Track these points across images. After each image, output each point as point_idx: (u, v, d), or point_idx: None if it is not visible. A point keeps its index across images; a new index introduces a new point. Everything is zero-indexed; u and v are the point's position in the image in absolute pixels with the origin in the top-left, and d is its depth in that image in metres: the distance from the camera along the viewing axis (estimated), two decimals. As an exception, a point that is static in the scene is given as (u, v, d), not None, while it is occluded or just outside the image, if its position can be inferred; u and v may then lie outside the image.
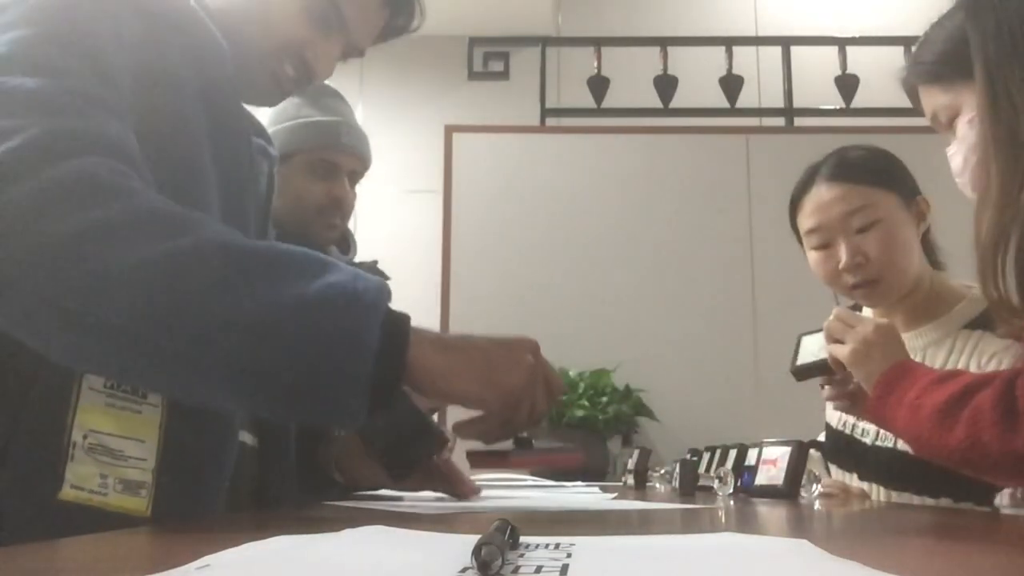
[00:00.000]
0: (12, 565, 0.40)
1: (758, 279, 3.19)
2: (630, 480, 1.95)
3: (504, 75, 3.54)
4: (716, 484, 1.29)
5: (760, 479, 1.28)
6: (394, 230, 3.94)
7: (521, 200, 3.32)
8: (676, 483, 1.46)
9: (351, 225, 1.60)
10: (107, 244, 0.62)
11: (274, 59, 0.93)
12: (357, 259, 1.67)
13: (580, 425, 2.80)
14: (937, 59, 1.01)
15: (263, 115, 1.04)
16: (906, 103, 1.13)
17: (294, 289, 0.64)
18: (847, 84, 3.38)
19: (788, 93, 3.48)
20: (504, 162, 3.37)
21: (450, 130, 3.41)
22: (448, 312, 3.21)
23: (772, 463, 1.27)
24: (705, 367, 3.14)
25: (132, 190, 0.66)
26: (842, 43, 3.44)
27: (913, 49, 1.08)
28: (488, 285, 3.23)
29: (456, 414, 0.76)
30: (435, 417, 1.00)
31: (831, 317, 1.18)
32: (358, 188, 1.56)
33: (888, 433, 1.33)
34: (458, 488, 1.15)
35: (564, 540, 0.45)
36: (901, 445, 1.30)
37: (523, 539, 0.45)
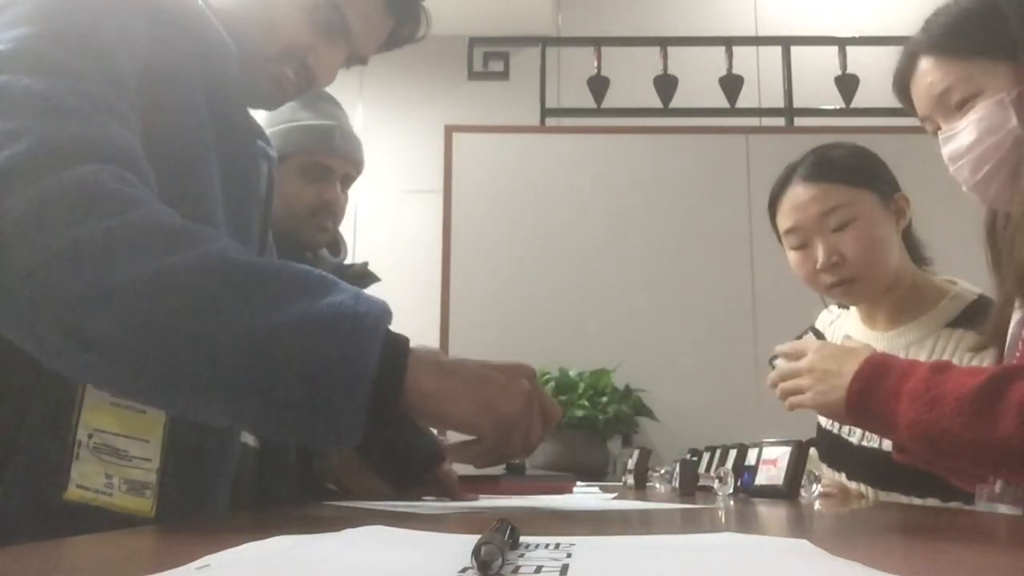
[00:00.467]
0: (12, 564, 0.40)
1: (758, 279, 3.19)
2: (630, 480, 1.95)
3: (504, 75, 3.54)
4: (716, 484, 1.29)
5: (760, 479, 1.28)
6: (394, 230, 3.94)
7: (521, 200, 3.32)
8: (676, 483, 1.46)
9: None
10: (107, 257, 0.61)
11: (276, 63, 0.92)
12: (352, 260, 1.68)
13: (580, 425, 2.80)
14: (959, 32, 1.00)
15: (259, 117, 1.04)
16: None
17: (296, 309, 0.63)
18: (847, 84, 3.38)
19: (788, 93, 3.48)
20: (504, 162, 3.37)
21: (450, 130, 3.41)
22: (448, 312, 3.21)
23: (772, 463, 1.27)
24: (705, 367, 3.14)
25: (136, 200, 0.65)
26: (842, 43, 3.44)
27: (926, 19, 1.06)
28: (488, 285, 3.23)
29: (454, 434, 0.75)
30: (436, 431, 0.99)
31: (772, 373, 1.13)
32: (358, 188, 1.56)
33: (872, 434, 1.33)
34: (456, 494, 1.15)
35: (564, 540, 0.45)
36: (886, 445, 1.29)
37: (523, 539, 0.45)
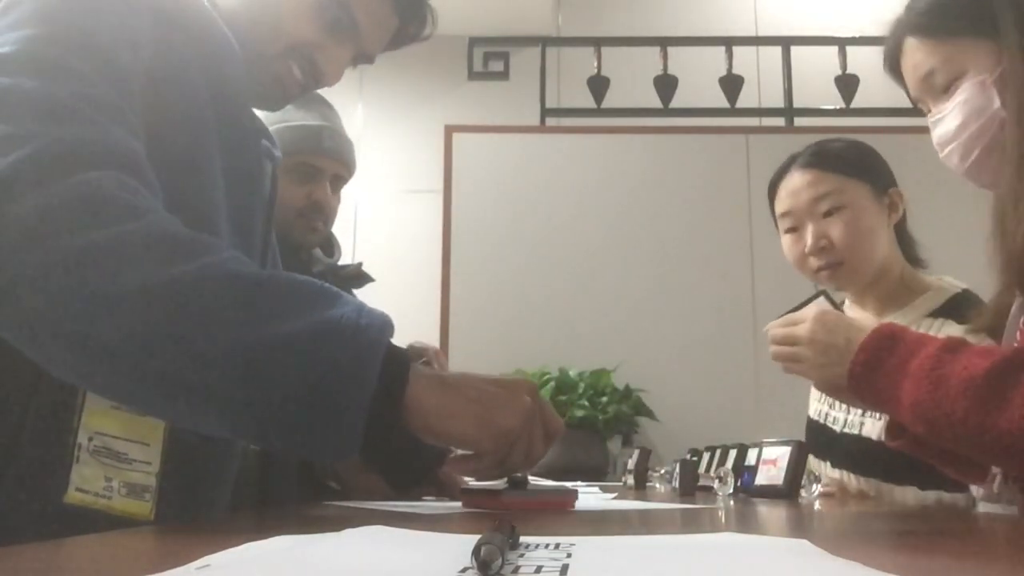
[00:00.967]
0: (12, 565, 0.40)
1: (758, 279, 3.19)
2: (630, 480, 1.95)
3: (504, 75, 3.54)
4: (716, 484, 1.29)
5: (760, 479, 1.28)
6: (394, 230, 3.94)
7: (521, 200, 3.32)
8: (676, 483, 1.46)
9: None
10: (110, 266, 0.61)
11: (281, 61, 0.92)
12: (352, 260, 1.68)
13: (580, 425, 2.80)
14: (940, 10, 0.98)
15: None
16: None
17: (298, 322, 0.63)
18: (847, 84, 3.38)
19: (788, 93, 3.48)
20: (504, 162, 3.37)
21: (450, 130, 3.41)
22: (448, 312, 3.21)
23: (772, 463, 1.27)
24: (705, 367, 3.14)
25: (139, 209, 0.64)
26: (842, 43, 3.44)
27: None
28: (488, 285, 3.23)
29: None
30: None
31: (770, 339, 1.09)
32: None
33: (853, 421, 1.35)
34: (456, 495, 1.15)
35: (564, 540, 0.45)
36: (866, 432, 1.32)
37: (523, 539, 0.45)
